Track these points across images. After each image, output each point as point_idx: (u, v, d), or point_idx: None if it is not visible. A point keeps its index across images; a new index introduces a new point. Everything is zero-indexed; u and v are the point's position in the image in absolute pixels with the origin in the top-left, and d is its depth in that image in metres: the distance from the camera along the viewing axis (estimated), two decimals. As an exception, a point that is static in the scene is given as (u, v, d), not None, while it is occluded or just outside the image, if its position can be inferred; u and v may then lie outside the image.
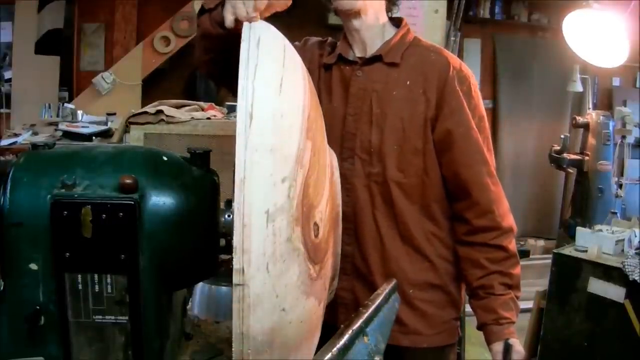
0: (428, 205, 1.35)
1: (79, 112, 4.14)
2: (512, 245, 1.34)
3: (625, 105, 5.01)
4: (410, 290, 1.35)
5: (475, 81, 1.37)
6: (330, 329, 0.86)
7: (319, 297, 0.88)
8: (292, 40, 0.98)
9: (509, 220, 1.35)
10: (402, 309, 1.32)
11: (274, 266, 0.76)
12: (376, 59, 1.35)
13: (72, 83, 4.98)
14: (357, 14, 1.34)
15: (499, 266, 1.32)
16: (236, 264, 0.74)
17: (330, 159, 0.99)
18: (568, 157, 3.87)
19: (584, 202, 3.83)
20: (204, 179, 0.95)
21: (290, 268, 0.79)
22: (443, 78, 1.31)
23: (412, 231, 1.34)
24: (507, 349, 1.26)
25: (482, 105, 1.37)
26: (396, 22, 1.42)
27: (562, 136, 4.01)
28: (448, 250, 1.38)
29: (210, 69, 1.27)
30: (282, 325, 0.79)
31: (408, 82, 1.32)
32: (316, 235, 0.86)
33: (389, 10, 1.41)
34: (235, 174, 0.74)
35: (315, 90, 1.38)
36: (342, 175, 1.32)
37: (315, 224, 0.86)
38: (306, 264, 0.82)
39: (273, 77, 0.82)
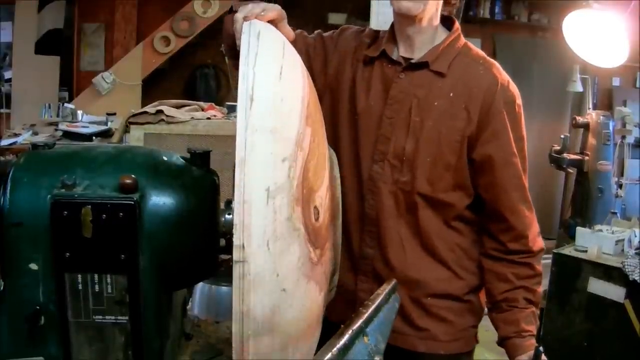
0: (453, 219, 1.32)
1: (79, 112, 4.14)
2: (540, 265, 1.33)
3: (625, 105, 5.01)
4: (428, 298, 1.33)
5: (520, 101, 1.32)
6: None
7: (320, 283, 0.87)
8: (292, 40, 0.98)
9: (539, 243, 1.33)
10: (419, 315, 1.32)
11: (274, 244, 0.76)
12: (422, 65, 1.29)
13: (72, 83, 4.98)
14: (414, 18, 1.27)
15: (525, 282, 1.30)
16: (236, 241, 0.73)
17: (329, 154, 0.99)
18: (568, 157, 3.86)
19: (584, 202, 3.82)
20: (204, 179, 0.95)
21: (291, 247, 0.79)
22: (489, 97, 1.26)
23: (435, 242, 1.31)
24: (538, 355, 1.24)
25: (523, 126, 1.34)
26: (447, 22, 1.35)
27: (562, 136, 4.00)
28: (471, 261, 1.35)
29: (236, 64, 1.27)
30: (284, 307, 0.78)
31: (451, 94, 1.27)
32: (317, 219, 0.86)
33: (444, 10, 1.33)
34: (236, 153, 0.74)
35: (347, 85, 1.34)
36: (370, 177, 1.31)
37: (316, 207, 0.86)
38: (307, 246, 0.82)
39: (273, 64, 0.83)
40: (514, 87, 1.31)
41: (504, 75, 1.31)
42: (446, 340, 1.33)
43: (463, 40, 1.34)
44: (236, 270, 0.73)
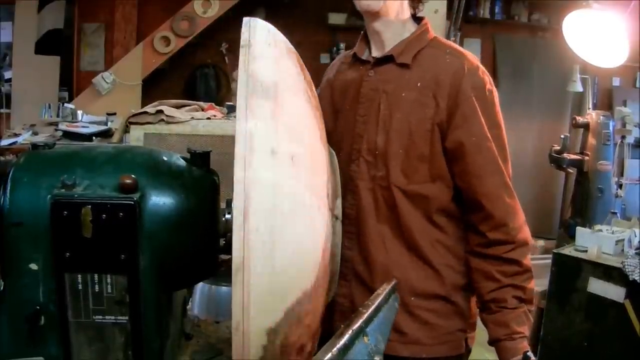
0: (434, 213, 1.30)
1: (79, 112, 4.13)
2: (527, 259, 1.29)
3: (625, 105, 5.01)
4: (412, 298, 1.30)
5: (492, 86, 1.29)
6: (327, 336, 0.84)
7: (320, 129, 0.91)
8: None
9: (524, 234, 1.29)
10: (402, 317, 1.28)
11: (275, 47, 0.88)
12: (388, 59, 1.31)
13: (72, 83, 4.98)
14: (376, 14, 1.30)
15: (512, 280, 1.27)
16: (244, 35, 0.85)
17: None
18: (568, 157, 3.86)
19: (584, 202, 3.82)
20: (204, 179, 0.95)
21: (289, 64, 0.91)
22: (456, 83, 1.25)
23: (417, 238, 1.29)
24: (526, 359, 1.22)
25: (499, 112, 1.30)
26: (419, 21, 1.36)
27: (562, 136, 4.00)
28: (456, 259, 1.33)
29: None
30: (285, 87, 0.85)
31: (419, 84, 1.27)
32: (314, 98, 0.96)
33: (414, 8, 1.35)
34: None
35: (327, 101, 1.37)
36: (348, 176, 1.30)
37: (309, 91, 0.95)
38: (307, 93, 0.92)
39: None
40: (484, 73, 1.29)
41: (472, 62, 1.29)
42: (429, 344, 1.31)
43: (432, 34, 1.35)
44: (242, 51, 0.82)
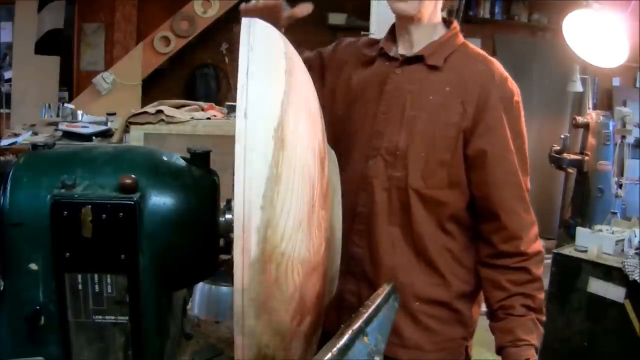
0: (446, 220, 1.28)
1: (79, 112, 4.13)
2: (539, 269, 1.27)
3: (625, 105, 5.02)
4: (417, 303, 1.29)
5: (519, 97, 1.29)
6: (332, 332, 0.84)
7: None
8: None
9: (537, 247, 1.27)
10: (404, 322, 1.28)
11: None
12: (417, 59, 1.29)
13: (72, 83, 4.99)
14: (410, 18, 1.28)
15: (522, 288, 1.24)
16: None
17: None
18: (568, 157, 3.86)
19: (584, 202, 3.83)
20: (204, 179, 0.95)
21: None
22: (485, 92, 1.24)
23: (427, 244, 1.28)
24: None
25: (523, 123, 1.30)
26: (448, 24, 1.35)
27: (562, 136, 4.00)
28: (462, 268, 1.31)
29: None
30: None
31: (447, 89, 1.25)
32: None
33: (444, 8, 1.35)
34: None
35: (342, 91, 1.36)
36: (363, 174, 1.28)
37: None
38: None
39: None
40: (512, 84, 1.29)
41: (502, 71, 1.29)
42: (431, 349, 1.30)
43: (462, 39, 1.34)
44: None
